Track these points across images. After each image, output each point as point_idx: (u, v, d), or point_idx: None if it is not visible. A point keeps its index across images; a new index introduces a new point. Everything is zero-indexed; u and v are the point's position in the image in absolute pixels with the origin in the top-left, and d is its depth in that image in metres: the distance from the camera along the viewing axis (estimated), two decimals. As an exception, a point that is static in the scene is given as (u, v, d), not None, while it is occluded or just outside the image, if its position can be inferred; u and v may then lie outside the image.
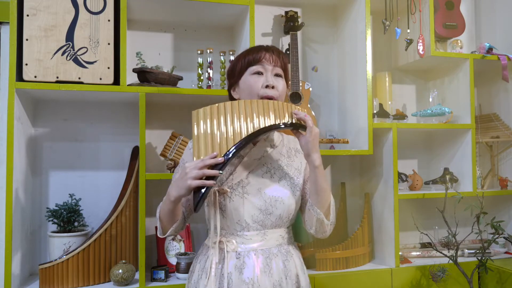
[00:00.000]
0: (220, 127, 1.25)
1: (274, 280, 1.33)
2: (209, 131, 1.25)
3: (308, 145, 1.32)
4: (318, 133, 1.33)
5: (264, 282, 1.31)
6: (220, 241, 1.34)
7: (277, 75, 1.40)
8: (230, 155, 1.22)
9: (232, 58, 2.11)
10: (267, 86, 1.36)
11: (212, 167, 1.21)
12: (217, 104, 1.28)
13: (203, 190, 1.20)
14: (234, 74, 1.42)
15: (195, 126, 1.26)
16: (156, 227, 1.70)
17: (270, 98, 1.35)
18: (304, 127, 1.34)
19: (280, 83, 1.39)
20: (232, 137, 1.25)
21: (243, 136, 1.25)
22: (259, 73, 1.37)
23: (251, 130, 1.26)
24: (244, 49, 1.57)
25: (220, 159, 1.21)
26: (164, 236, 1.38)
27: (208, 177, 1.20)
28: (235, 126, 1.26)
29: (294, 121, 1.33)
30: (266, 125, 1.28)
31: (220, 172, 1.20)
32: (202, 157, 1.22)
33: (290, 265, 1.39)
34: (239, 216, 1.33)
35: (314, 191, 1.36)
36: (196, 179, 1.18)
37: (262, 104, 1.30)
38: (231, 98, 1.48)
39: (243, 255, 1.33)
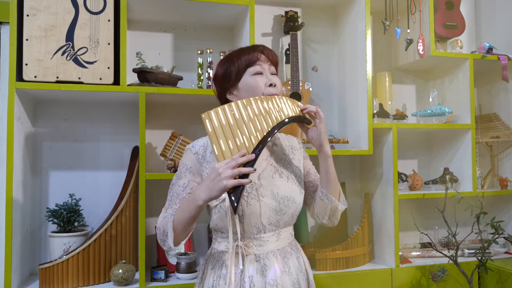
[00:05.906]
0: (238, 125, 1.22)
1: (293, 278, 1.35)
2: (227, 131, 1.21)
3: (321, 136, 1.36)
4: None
5: (286, 282, 1.32)
6: (236, 245, 1.33)
7: (273, 73, 1.40)
8: (258, 151, 1.19)
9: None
10: (270, 85, 1.36)
11: (243, 165, 1.17)
12: (227, 104, 1.27)
13: (233, 190, 1.16)
14: (230, 78, 1.39)
15: (211, 128, 1.21)
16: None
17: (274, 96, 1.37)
18: (308, 121, 1.36)
19: (278, 81, 1.40)
20: (254, 133, 1.22)
21: (264, 132, 1.23)
22: (259, 73, 1.37)
23: (270, 126, 1.25)
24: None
25: (252, 156, 1.17)
26: (174, 248, 1.29)
27: (241, 176, 1.16)
28: (253, 123, 1.24)
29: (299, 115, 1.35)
30: (282, 120, 1.28)
31: (254, 169, 1.17)
32: (226, 158, 1.18)
33: (301, 261, 1.41)
34: (257, 220, 1.32)
35: (327, 181, 1.39)
36: (231, 178, 1.14)
37: (274, 100, 1.31)
38: (225, 103, 1.43)
39: (263, 258, 1.33)
